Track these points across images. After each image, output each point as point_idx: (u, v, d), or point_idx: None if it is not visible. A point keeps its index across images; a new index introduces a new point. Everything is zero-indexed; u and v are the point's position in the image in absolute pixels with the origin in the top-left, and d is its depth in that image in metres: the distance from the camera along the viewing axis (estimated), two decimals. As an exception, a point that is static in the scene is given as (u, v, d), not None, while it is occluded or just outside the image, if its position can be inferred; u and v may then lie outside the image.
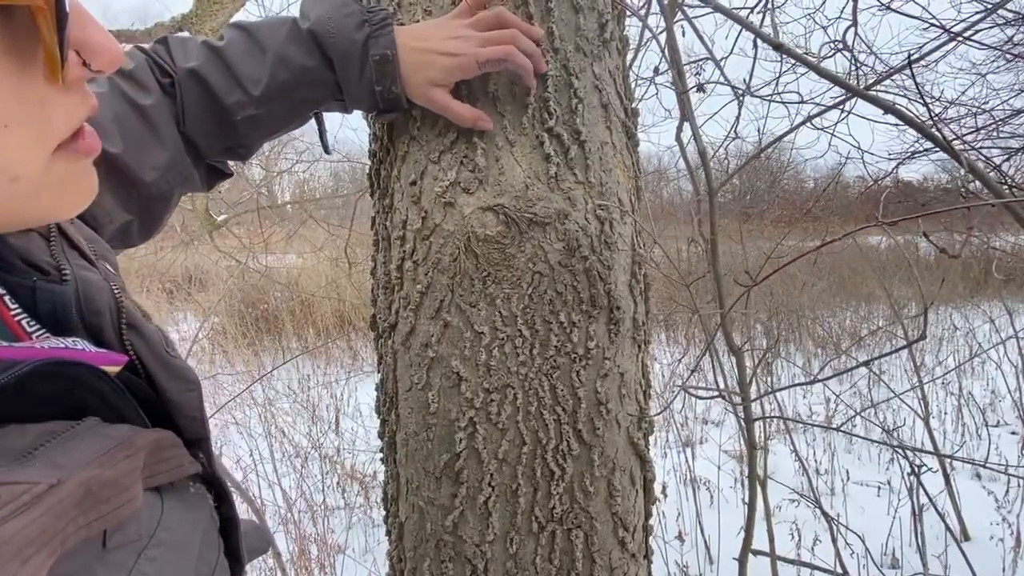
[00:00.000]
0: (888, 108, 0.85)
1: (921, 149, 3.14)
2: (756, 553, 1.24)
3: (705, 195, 1.14)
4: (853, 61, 1.42)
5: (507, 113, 0.61)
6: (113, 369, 0.32)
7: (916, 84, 0.93)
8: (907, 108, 0.87)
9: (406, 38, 0.58)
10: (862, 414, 2.91)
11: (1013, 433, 3.24)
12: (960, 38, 1.34)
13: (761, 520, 1.34)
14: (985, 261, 6.45)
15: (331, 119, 0.68)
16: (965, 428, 3.25)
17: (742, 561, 1.21)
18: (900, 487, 2.49)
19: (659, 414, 1.67)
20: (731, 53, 1.61)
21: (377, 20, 0.58)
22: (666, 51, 1.17)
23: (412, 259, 0.63)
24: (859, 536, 1.86)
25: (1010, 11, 2.72)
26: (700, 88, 1.46)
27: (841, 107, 1.38)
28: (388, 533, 0.73)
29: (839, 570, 1.45)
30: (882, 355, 1.13)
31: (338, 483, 2.93)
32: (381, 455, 0.74)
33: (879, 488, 2.73)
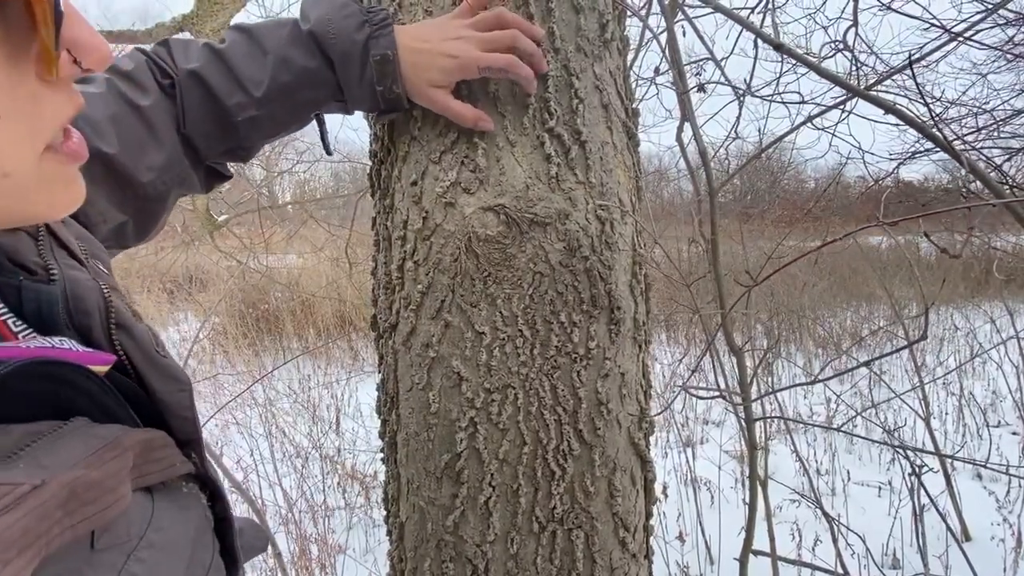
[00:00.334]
0: (889, 108, 0.85)
1: (922, 149, 3.14)
2: (757, 553, 1.24)
3: (706, 195, 1.14)
4: (854, 61, 1.42)
5: (508, 113, 0.61)
6: (101, 369, 0.32)
7: (917, 84, 0.94)
8: (908, 108, 0.87)
9: (406, 38, 0.59)
10: (863, 414, 2.91)
11: (1014, 433, 3.24)
12: (961, 38, 1.34)
13: (762, 520, 1.34)
14: (986, 261, 6.44)
15: (332, 120, 0.68)
16: (966, 428, 3.24)
17: (743, 561, 1.21)
18: (901, 487, 2.49)
19: (660, 414, 1.67)
20: (732, 53, 1.61)
21: (377, 20, 0.58)
22: (667, 51, 1.17)
23: (413, 259, 0.63)
24: (860, 536, 1.86)
25: (1011, 11, 2.72)
26: (701, 88, 1.46)
27: (842, 107, 1.38)
28: (389, 533, 0.73)
29: (840, 570, 1.45)
30: (883, 355, 1.13)
31: (339, 483, 2.93)
32: (382, 455, 0.74)
33: (880, 488, 2.73)
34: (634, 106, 0.72)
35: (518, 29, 0.58)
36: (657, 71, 1.56)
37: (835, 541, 1.59)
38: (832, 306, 5.69)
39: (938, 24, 1.57)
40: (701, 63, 1.66)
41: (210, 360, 5.09)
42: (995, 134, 3.07)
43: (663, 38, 1.20)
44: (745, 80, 1.37)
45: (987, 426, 3.24)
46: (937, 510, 1.98)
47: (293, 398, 3.85)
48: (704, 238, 1.20)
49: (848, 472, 2.86)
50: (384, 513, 0.74)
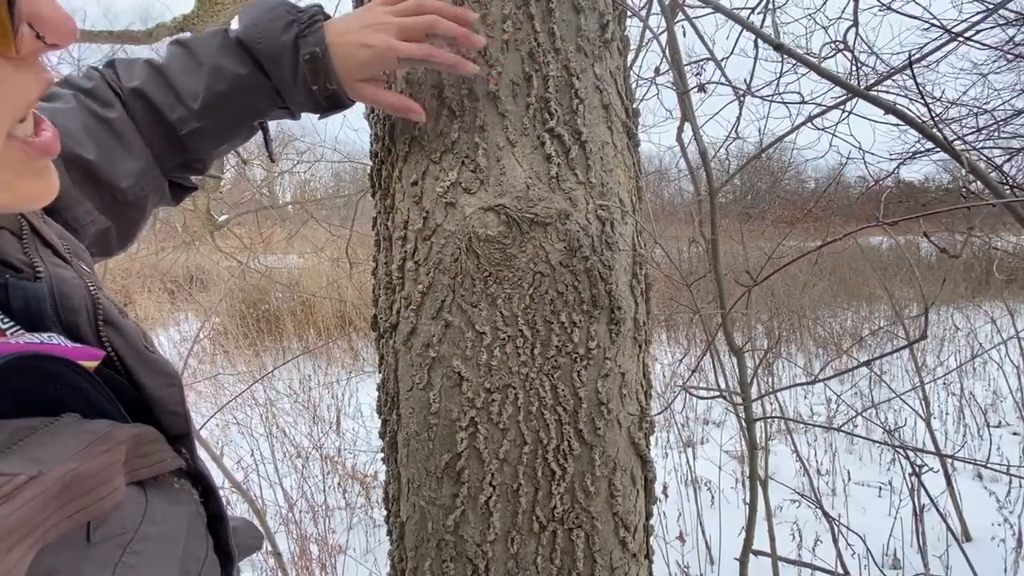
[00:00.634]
0: (889, 108, 0.85)
1: (922, 149, 3.14)
2: (757, 553, 1.24)
3: (706, 195, 1.14)
4: (854, 61, 1.42)
5: (508, 113, 0.61)
6: (90, 364, 0.32)
7: (917, 84, 0.94)
8: (908, 108, 0.87)
9: (332, 34, 0.56)
10: (863, 414, 2.91)
11: (1015, 434, 3.24)
12: (961, 38, 1.34)
13: (762, 520, 1.34)
14: (986, 261, 6.44)
15: (332, 119, 0.68)
16: (966, 428, 3.24)
17: (743, 561, 1.21)
18: (901, 487, 2.49)
19: (660, 414, 1.67)
20: (732, 53, 1.61)
21: (305, 19, 0.56)
22: (667, 51, 1.17)
23: (413, 259, 0.63)
24: (860, 536, 1.86)
25: (1011, 11, 2.72)
26: (701, 88, 1.46)
27: (842, 107, 1.38)
28: (389, 533, 0.73)
29: (840, 571, 1.45)
30: (883, 355, 1.13)
31: (339, 483, 2.93)
32: (382, 455, 0.74)
33: (880, 488, 2.73)
34: (634, 106, 0.72)
35: (437, 14, 0.56)
36: (657, 71, 1.56)
37: (835, 541, 1.59)
38: (832, 306, 5.69)
39: (938, 24, 1.57)
40: (701, 63, 1.66)
41: (210, 360, 5.09)
42: (995, 134, 3.08)
43: (663, 38, 1.20)
44: (745, 80, 1.37)
45: (987, 426, 3.24)
46: (937, 510, 1.98)
47: (294, 398, 3.85)
48: (704, 238, 1.20)
49: (848, 472, 2.86)
50: (385, 513, 0.74)
